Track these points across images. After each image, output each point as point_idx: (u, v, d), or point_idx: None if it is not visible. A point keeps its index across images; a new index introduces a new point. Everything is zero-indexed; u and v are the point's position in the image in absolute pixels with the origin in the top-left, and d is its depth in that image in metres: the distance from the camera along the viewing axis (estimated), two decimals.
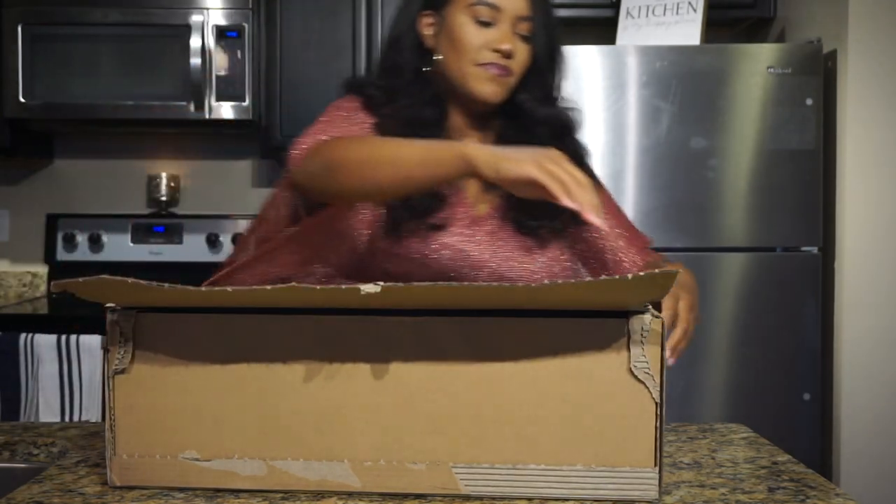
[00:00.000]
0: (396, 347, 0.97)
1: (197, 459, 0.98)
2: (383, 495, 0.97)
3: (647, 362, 0.94)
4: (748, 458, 1.14)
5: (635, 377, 0.95)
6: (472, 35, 1.36)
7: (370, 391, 0.97)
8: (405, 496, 0.98)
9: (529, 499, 0.97)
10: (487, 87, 1.36)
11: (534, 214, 1.35)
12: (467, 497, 0.97)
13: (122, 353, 0.97)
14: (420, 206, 1.31)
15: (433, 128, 1.36)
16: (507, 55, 1.34)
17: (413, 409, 0.97)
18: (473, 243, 1.35)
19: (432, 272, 1.32)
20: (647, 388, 0.95)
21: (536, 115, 1.39)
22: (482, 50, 1.34)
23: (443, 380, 0.96)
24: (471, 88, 1.35)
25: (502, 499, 0.97)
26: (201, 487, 0.98)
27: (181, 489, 0.98)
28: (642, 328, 0.94)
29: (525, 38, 1.37)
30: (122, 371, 0.97)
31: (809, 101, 2.58)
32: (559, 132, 1.40)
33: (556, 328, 0.96)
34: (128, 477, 0.99)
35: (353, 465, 0.97)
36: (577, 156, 1.34)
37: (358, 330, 0.98)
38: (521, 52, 1.37)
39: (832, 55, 2.61)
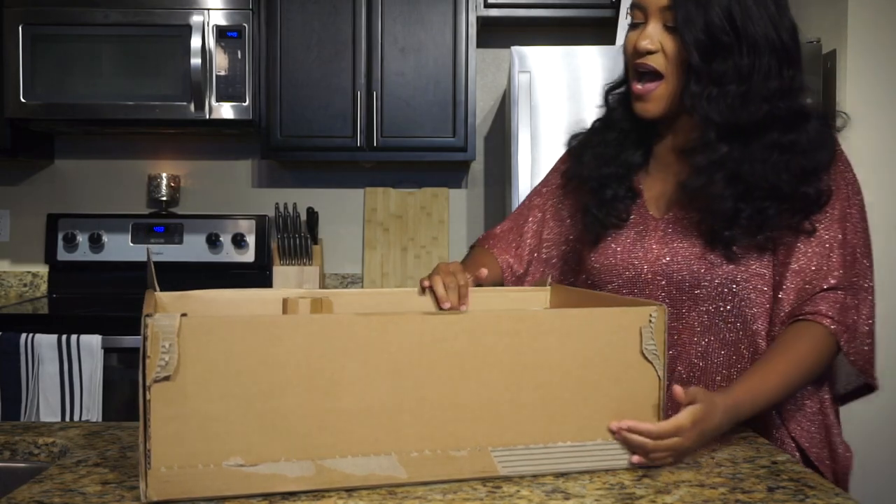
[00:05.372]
0: (441, 342, 1.01)
1: (242, 465, 0.96)
2: (393, 489, 0.98)
3: (654, 344, 1.07)
4: (748, 457, 1.14)
5: (645, 358, 1.07)
6: (627, 41, 1.32)
7: (415, 385, 1.01)
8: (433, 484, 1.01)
9: (558, 474, 1.06)
10: (635, 104, 1.33)
11: (730, 225, 1.27)
12: (504, 478, 1.04)
13: (165, 360, 0.92)
14: (603, 211, 1.40)
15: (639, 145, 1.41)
16: (642, 52, 1.27)
17: (455, 399, 1.02)
18: (641, 248, 1.36)
19: (609, 268, 1.40)
20: (654, 367, 1.08)
21: (702, 113, 1.26)
22: (630, 54, 1.31)
23: (482, 370, 1.03)
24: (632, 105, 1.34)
25: (535, 476, 1.05)
26: (247, 495, 0.96)
27: None
28: (650, 316, 1.07)
29: (671, 29, 1.26)
30: (165, 379, 0.92)
31: (809, 101, 2.58)
32: (732, 131, 1.26)
33: (579, 318, 1.07)
34: (167, 490, 0.93)
35: (400, 457, 1.01)
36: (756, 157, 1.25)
37: (402, 328, 1.00)
38: (671, 46, 1.27)
39: (832, 55, 2.61)
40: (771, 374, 1.20)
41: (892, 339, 2.55)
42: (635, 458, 1.07)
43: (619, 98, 1.43)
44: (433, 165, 3.32)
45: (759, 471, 1.08)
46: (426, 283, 1.30)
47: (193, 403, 0.94)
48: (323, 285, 3.29)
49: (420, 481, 1.01)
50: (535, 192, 1.59)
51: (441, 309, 1.26)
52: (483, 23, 3.09)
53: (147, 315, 0.92)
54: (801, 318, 1.26)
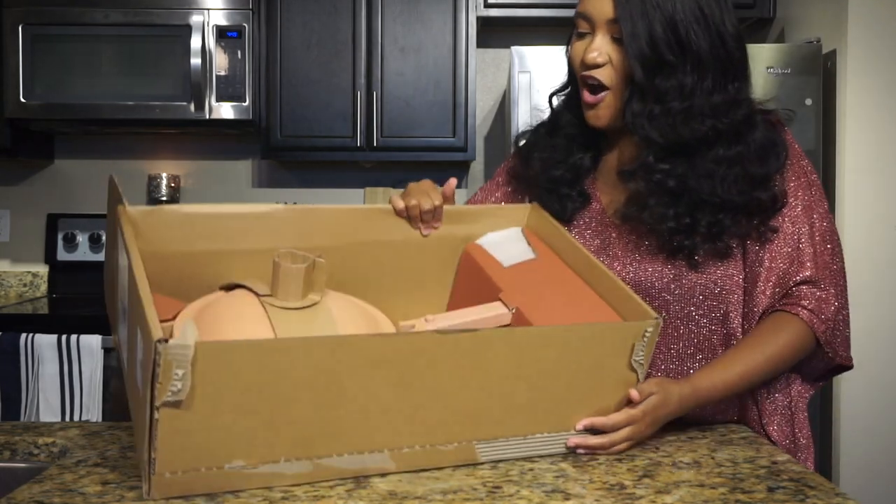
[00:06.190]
0: (447, 357, 1.03)
1: (244, 467, 0.98)
2: (394, 490, 0.98)
3: (643, 356, 1.12)
4: (748, 457, 1.14)
5: (632, 368, 1.12)
6: (572, 50, 1.30)
7: (416, 394, 1.03)
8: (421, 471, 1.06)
9: (534, 457, 1.12)
10: (586, 113, 1.30)
11: (689, 235, 1.24)
12: (483, 464, 1.09)
13: (177, 386, 0.91)
14: (560, 206, 1.36)
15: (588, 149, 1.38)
16: (590, 65, 1.25)
17: (452, 405, 1.06)
18: (606, 257, 1.32)
19: None
20: (637, 375, 1.13)
21: (642, 133, 1.24)
22: (577, 65, 1.29)
23: (482, 380, 1.06)
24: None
25: (512, 460, 1.11)
26: (247, 489, 0.99)
27: None
28: (646, 331, 1.10)
29: (619, 42, 1.24)
30: (175, 403, 0.92)
31: (809, 101, 2.58)
32: (674, 148, 1.24)
33: (580, 334, 1.10)
34: (169, 490, 0.96)
35: (392, 453, 1.05)
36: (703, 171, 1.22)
37: (412, 347, 1.02)
38: (618, 58, 1.24)
39: (832, 55, 2.61)
40: (735, 363, 1.22)
41: (893, 338, 2.55)
42: (572, 441, 1.13)
43: (565, 103, 1.40)
44: (433, 165, 3.32)
45: (759, 471, 1.08)
46: (400, 206, 1.30)
47: (200, 419, 0.94)
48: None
49: (406, 470, 1.06)
50: (482, 189, 1.56)
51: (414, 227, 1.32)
52: (483, 23, 3.09)
53: (159, 341, 0.89)
54: (778, 309, 1.26)
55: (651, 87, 1.22)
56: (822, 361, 1.30)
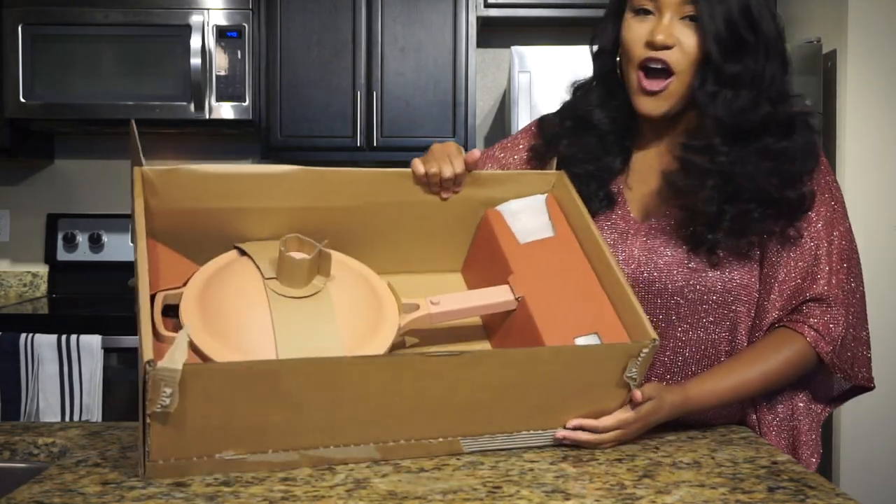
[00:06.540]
0: (440, 374, 1.05)
1: (234, 457, 1.02)
2: (394, 490, 0.98)
3: (636, 372, 1.13)
4: (748, 458, 1.14)
5: (623, 383, 1.13)
6: (630, 30, 1.23)
7: (410, 401, 1.06)
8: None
9: (517, 449, 1.16)
10: (642, 100, 1.24)
11: (713, 228, 1.22)
12: (468, 455, 1.13)
13: (165, 402, 0.94)
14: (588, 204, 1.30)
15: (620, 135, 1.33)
16: (658, 46, 1.19)
17: (443, 409, 1.08)
18: (622, 252, 1.30)
19: None
20: (630, 388, 1.14)
21: (713, 114, 1.21)
22: (638, 46, 1.22)
23: (477, 390, 1.08)
24: (633, 101, 1.24)
25: (496, 451, 1.14)
26: (243, 484, 1.02)
27: (181, 489, 0.99)
28: (641, 351, 1.12)
29: (693, 20, 1.20)
30: (165, 415, 0.95)
31: (809, 102, 2.57)
32: (739, 133, 1.22)
33: (577, 354, 1.12)
34: (164, 474, 1.01)
35: (377, 446, 1.08)
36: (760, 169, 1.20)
37: (404, 370, 1.04)
38: (688, 41, 1.20)
39: (832, 55, 2.61)
40: (730, 376, 1.22)
41: (892, 339, 2.55)
42: (560, 434, 1.15)
43: (597, 100, 1.34)
44: None
45: (759, 471, 1.08)
46: (421, 171, 1.25)
47: (190, 424, 0.97)
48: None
49: (391, 459, 1.09)
50: (500, 146, 1.49)
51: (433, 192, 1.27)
52: (483, 23, 3.09)
53: (148, 362, 0.92)
54: (784, 324, 1.25)
55: (723, 70, 1.20)
56: (836, 381, 1.30)
